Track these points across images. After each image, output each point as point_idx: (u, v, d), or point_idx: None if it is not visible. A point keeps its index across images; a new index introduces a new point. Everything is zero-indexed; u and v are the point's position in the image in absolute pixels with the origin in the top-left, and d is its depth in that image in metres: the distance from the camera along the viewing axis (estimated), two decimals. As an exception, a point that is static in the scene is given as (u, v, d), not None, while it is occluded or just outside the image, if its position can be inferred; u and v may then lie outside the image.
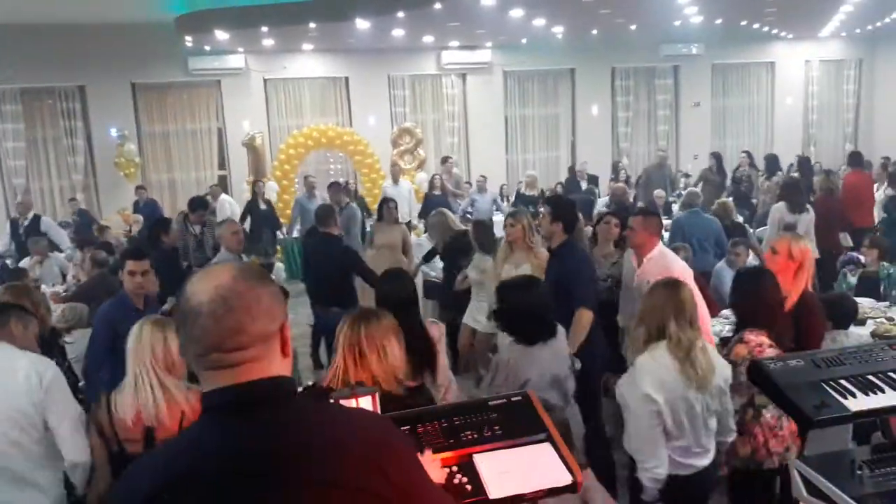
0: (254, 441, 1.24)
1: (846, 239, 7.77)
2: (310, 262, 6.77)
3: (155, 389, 2.74)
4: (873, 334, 4.86)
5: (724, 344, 3.76)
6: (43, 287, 7.19)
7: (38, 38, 11.53)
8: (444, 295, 6.78)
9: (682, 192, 11.13)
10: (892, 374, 2.24)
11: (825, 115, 16.98)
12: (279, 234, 10.95)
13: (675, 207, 10.73)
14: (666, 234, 7.19)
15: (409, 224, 9.98)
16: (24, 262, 8.16)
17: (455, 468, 1.85)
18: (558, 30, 12.53)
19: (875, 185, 9.77)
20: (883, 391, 2.18)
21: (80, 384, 4.19)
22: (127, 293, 4.21)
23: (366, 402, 1.95)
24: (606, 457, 4.10)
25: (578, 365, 3.84)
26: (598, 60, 14.99)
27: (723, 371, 3.10)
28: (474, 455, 1.91)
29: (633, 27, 12.69)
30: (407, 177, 12.23)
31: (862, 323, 5.04)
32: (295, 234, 10.54)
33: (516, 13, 10.32)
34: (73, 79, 12.48)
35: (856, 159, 9.63)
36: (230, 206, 11.14)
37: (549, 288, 3.95)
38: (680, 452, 3.06)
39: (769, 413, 3.22)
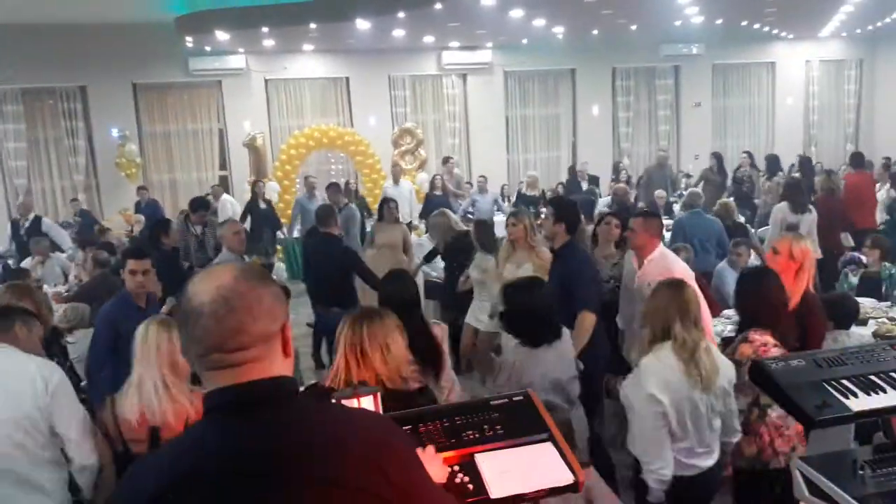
0: (255, 441, 1.25)
1: (847, 239, 7.77)
2: (310, 262, 6.78)
3: (159, 389, 2.74)
4: (875, 334, 4.86)
5: (725, 344, 3.76)
6: (45, 287, 7.20)
7: (39, 39, 11.55)
8: (445, 295, 6.78)
9: (684, 193, 11.14)
10: (893, 374, 2.24)
11: (826, 116, 16.97)
12: (279, 235, 10.95)
13: (676, 208, 10.74)
14: (667, 235, 7.19)
15: (409, 224, 9.98)
16: (26, 263, 8.17)
17: (456, 468, 1.86)
18: (559, 30, 12.53)
19: (877, 185, 9.77)
20: (885, 391, 2.18)
21: (83, 384, 4.19)
22: (129, 292, 4.21)
23: (367, 402, 1.95)
24: (606, 457, 4.10)
25: (581, 366, 3.84)
26: (598, 61, 14.99)
27: (727, 372, 3.10)
28: (476, 455, 1.91)
29: (633, 27, 12.69)
30: (408, 177, 12.23)
31: (863, 323, 5.04)
32: (295, 234, 10.55)
33: (517, 13, 10.33)
34: (74, 79, 12.50)
35: (857, 160, 9.62)
36: (232, 206, 11.15)
37: (552, 289, 3.95)
38: (685, 453, 3.06)
39: (775, 413, 3.21)
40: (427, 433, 1.96)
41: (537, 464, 1.90)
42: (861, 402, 2.12)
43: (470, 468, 1.86)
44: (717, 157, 11.93)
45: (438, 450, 1.87)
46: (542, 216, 9.67)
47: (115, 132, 12.58)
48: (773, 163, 11.50)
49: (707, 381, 2.98)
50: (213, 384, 1.29)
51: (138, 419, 2.73)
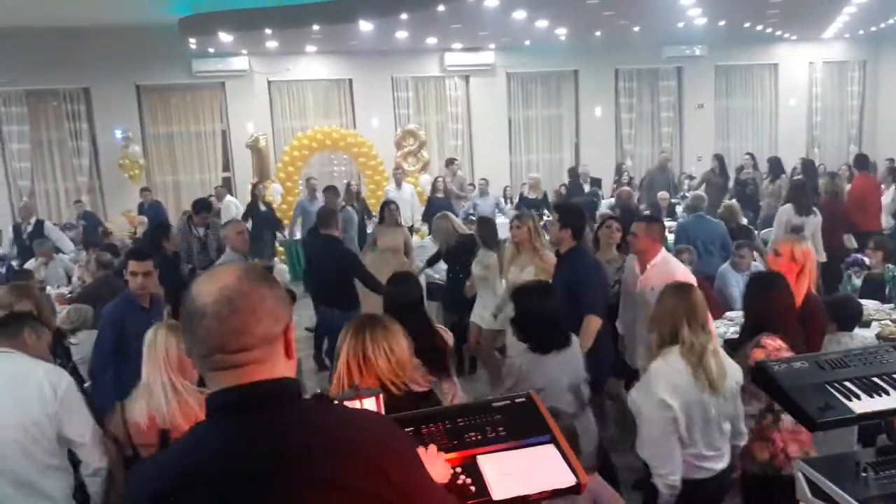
0: (256, 442, 1.25)
1: (850, 241, 7.76)
2: (312, 263, 6.80)
3: (168, 393, 2.75)
4: (878, 336, 4.85)
5: (728, 346, 3.75)
6: (48, 288, 7.23)
7: (43, 41, 11.59)
8: (446, 297, 6.79)
9: (686, 194, 11.13)
10: (896, 376, 2.24)
11: (829, 117, 16.94)
12: (279, 236, 10.96)
13: (679, 209, 10.74)
14: (670, 237, 7.19)
15: (411, 228, 9.99)
16: (30, 264, 8.19)
17: (459, 469, 1.85)
18: (561, 31, 12.53)
19: (882, 187, 9.72)
20: (888, 393, 2.17)
21: (86, 385, 4.20)
22: (132, 293, 4.22)
23: (370, 404, 1.95)
24: (607, 460, 4.10)
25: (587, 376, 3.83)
26: (601, 62, 14.98)
27: (734, 373, 3.10)
28: (478, 456, 1.91)
29: (636, 29, 12.68)
30: (410, 179, 12.23)
31: (867, 325, 5.03)
32: (297, 235, 10.56)
33: (519, 15, 10.33)
34: (77, 81, 12.53)
35: (862, 162, 9.58)
36: (235, 207, 11.15)
37: (559, 294, 3.94)
38: (696, 457, 3.05)
39: (789, 417, 3.19)
40: (429, 435, 1.96)
41: (539, 465, 1.90)
42: (864, 405, 2.11)
43: (472, 470, 1.86)
44: (719, 159, 11.91)
45: (440, 451, 1.87)
46: (545, 217, 9.73)
47: (118, 134, 12.61)
48: (776, 165, 11.47)
49: (716, 383, 2.97)
50: (216, 385, 1.30)
51: (147, 423, 2.74)
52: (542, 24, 11.34)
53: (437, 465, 1.71)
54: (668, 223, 7.84)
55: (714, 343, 3.12)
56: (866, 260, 6.50)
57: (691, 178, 13.43)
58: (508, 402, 2.12)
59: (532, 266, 5.04)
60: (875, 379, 2.22)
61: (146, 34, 11.64)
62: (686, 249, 6.19)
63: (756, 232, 8.66)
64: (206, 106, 13.60)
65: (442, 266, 7.20)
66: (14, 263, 8.88)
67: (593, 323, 4.31)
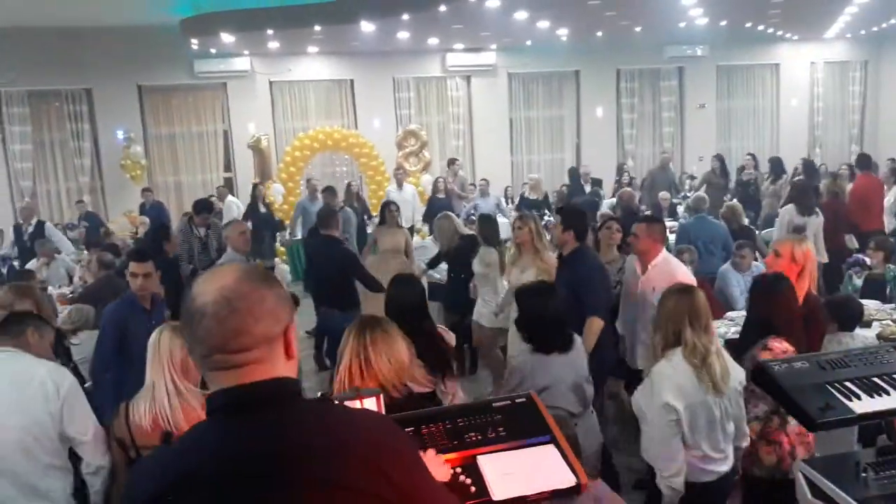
0: (256, 442, 1.25)
1: (851, 241, 7.75)
2: (312, 263, 6.81)
3: (171, 395, 2.75)
4: (879, 336, 4.84)
5: (730, 346, 3.75)
6: (49, 289, 7.24)
7: (45, 42, 11.61)
8: (447, 297, 6.79)
9: (688, 194, 11.12)
10: (897, 377, 2.23)
11: (830, 117, 16.93)
12: (279, 237, 10.96)
13: (680, 209, 10.73)
14: (671, 237, 7.18)
15: (411, 229, 9.99)
16: (32, 264, 8.20)
17: (459, 469, 1.86)
18: (563, 32, 12.53)
19: (885, 188, 9.69)
20: (888, 393, 2.17)
21: (87, 385, 4.20)
22: (134, 294, 4.22)
23: (370, 403, 1.95)
24: (607, 459, 4.10)
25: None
26: (602, 62, 14.98)
27: (737, 374, 3.09)
28: (478, 456, 1.91)
29: (637, 29, 12.68)
30: (412, 179, 12.24)
31: (867, 325, 5.02)
32: (298, 235, 10.57)
33: (521, 15, 10.33)
34: (79, 81, 12.55)
35: (864, 162, 9.55)
36: (237, 207, 11.17)
37: (562, 295, 3.94)
38: (700, 459, 3.05)
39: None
40: (429, 435, 1.96)
41: (540, 466, 1.90)
42: (864, 405, 2.12)
43: (472, 470, 1.86)
44: (720, 159, 11.90)
45: (440, 451, 1.87)
46: (546, 218, 9.73)
47: (120, 134, 12.62)
48: (777, 165, 11.46)
49: (719, 385, 2.97)
50: (216, 385, 1.30)
51: (151, 425, 2.75)
52: (543, 24, 11.35)
53: (436, 468, 1.71)
54: (669, 223, 7.83)
55: (717, 344, 3.12)
56: (867, 260, 6.50)
57: (692, 178, 13.42)
58: (508, 402, 2.12)
59: (533, 268, 5.04)
60: (875, 379, 2.22)
61: (148, 35, 11.65)
62: (687, 249, 6.19)
63: (757, 232, 8.64)
64: (208, 106, 13.62)
65: (443, 266, 7.21)
66: (15, 264, 8.90)
67: (596, 324, 4.32)
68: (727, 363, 3.06)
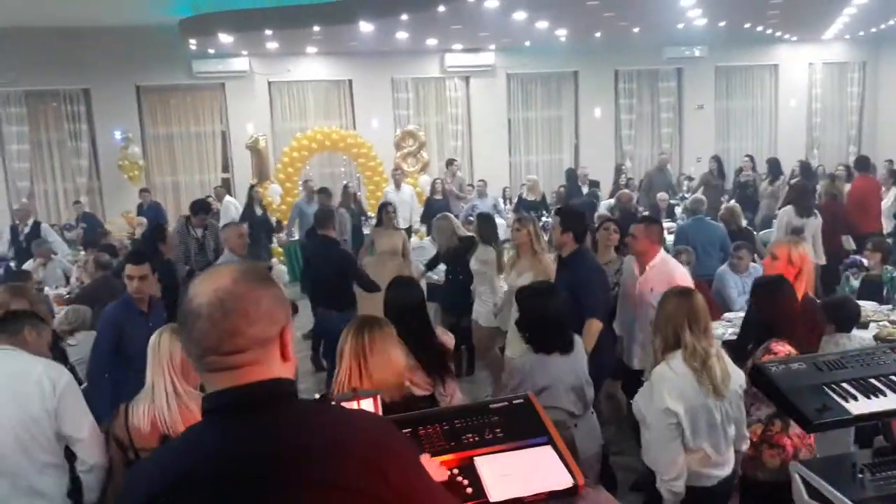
0: (253, 443, 1.25)
1: (849, 242, 7.76)
2: (309, 264, 6.82)
3: (170, 397, 2.75)
4: (876, 338, 4.85)
5: (726, 347, 3.74)
6: (46, 289, 7.22)
7: (43, 42, 11.59)
8: (445, 298, 6.79)
9: (686, 195, 11.12)
10: (893, 378, 2.24)
11: (829, 118, 16.95)
12: (275, 238, 10.96)
13: (678, 210, 10.74)
14: (669, 238, 7.19)
15: (409, 230, 9.99)
16: (28, 265, 8.18)
17: (456, 470, 1.86)
18: (561, 32, 12.53)
19: (882, 190, 9.70)
20: (885, 394, 2.18)
21: (84, 386, 4.19)
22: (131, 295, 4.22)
23: (367, 404, 1.95)
24: (605, 460, 4.10)
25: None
26: (601, 63, 14.99)
27: (738, 377, 3.09)
28: (475, 458, 1.91)
29: (636, 30, 12.69)
30: (410, 180, 12.23)
31: (864, 326, 5.03)
32: (295, 236, 10.57)
33: (519, 16, 10.33)
34: (77, 82, 12.53)
35: (863, 163, 9.56)
36: (235, 208, 11.16)
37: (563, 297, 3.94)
38: (701, 463, 3.04)
39: None
40: (427, 436, 1.96)
41: (537, 467, 1.90)
42: (861, 406, 2.12)
43: (469, 471, 1.87)
44: (717, 161, 11.91)
45: (438, 453, 1.87)
46: (544, 218, 9.73)
47: (118, 134, 12.61)
48: (775, 166, 11.47)
49: (720, 387, 2.96)
50: (212, 386, 1.30)
51: (149, 427, 2.74)
52: (542, 25, 11.35)
53: (432, 471, 1.71)
54: (667, 224, 7.84)
55: (717, 346, 3.11)
56: (864, 261, 6.51)
57: (690, 179, 13.43)
58: (506, 403, 2.12)
59: (531, 272, 5.03)
60: (872, 380, 2.22)
61: (146, 35, 11.64)
62: (685, 250, 6.19)
63: (756, 233, 8.65)
64: (206, 107, 13.61)
65: (441, 267, 7.21)
66: (11, 265, 8.88)
67: (595, 326, 4.32)
68: (727, 366, 3.06)
